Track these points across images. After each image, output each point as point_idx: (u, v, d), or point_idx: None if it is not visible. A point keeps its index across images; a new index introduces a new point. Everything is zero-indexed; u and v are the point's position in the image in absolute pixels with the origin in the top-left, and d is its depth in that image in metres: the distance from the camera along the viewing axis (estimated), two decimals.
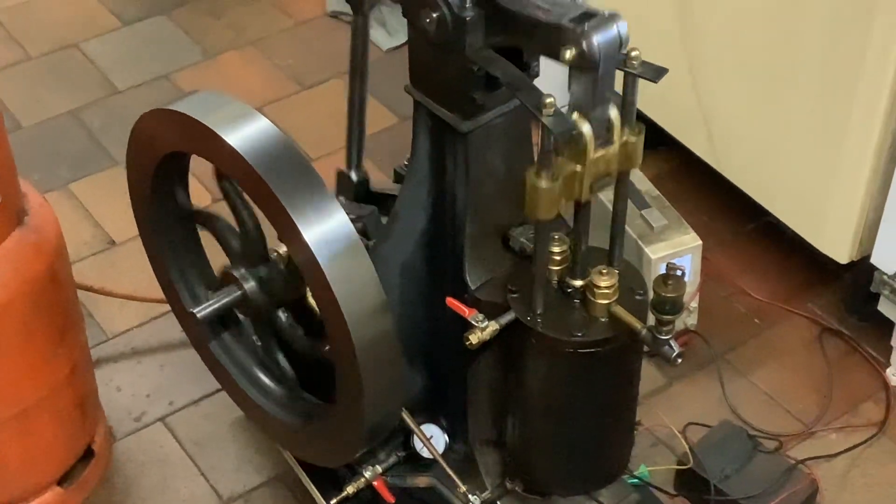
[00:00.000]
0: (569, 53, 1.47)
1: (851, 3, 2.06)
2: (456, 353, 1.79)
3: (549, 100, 1.47)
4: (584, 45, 1.47)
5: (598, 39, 1.47)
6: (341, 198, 1.96)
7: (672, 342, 1.62)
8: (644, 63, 1.51)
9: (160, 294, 2.03)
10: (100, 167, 2.74)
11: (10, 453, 1.99)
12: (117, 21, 3.13)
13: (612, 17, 1.48)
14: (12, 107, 2.87)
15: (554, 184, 1.55)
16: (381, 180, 2.05)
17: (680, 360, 1.62)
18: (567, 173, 1.56)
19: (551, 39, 1.50)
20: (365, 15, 1.84)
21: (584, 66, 1.48)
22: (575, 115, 1.53)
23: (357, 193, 1.96)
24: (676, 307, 1.61)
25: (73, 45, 3.06)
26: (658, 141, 2.59)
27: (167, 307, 2.07)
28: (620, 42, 1.49)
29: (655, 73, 1.51)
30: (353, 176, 1.96)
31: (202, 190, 2.39)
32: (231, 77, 2.98)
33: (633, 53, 1.51)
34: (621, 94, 1.56)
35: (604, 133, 1.55)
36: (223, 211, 1.85)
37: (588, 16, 1.48)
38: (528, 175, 1.55)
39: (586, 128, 1.53)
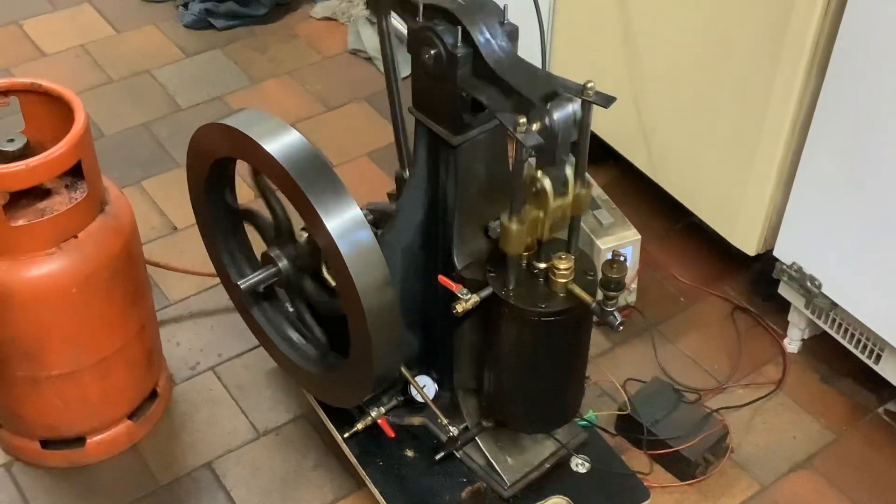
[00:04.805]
0: (535, 126, 1.49)
1: (763, 50, 2.06)
2: (445, 320, 1.79)
3: (521, 120, 1.47)
4: (547, 120, 1.49)
5: (557, 116, 1.50)
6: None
7: (616, 313, 1.62)
8: (597, 93, 1.52)
9: (212, 269, 2.03)
10: (166, 168, 2.73)
11: (91, 392, 1.99)
12: (182, 53, 3.12)
13: (571, 99, 1.51)
14: (97, 119, 2.86)
15: (522, 226, 1.59)
16: None
17: (621, 328, 1.63)
18: (532, 218, 1.60)
19: (521, 106, 1.52)
20: (386, 18, 1.78)
21: (545, 136, 1.50)
22: (539, 173, 1.57)
23: None
24: (620, 286, 1.62)
25: (147, 71, 3.05)
26: (607, 155, 2.59)
27: (217, 280, 2.06)
28: (574, 119, 1.52)
29: (606, 100, 1.52)
30: (406, 175, 1.94)
31: (247, 189, 2.38)
32: (271, 99, 2.97)
33: (589, 85, 1.51)
34: (574, 156, 1.58)
35: (560, 187, 1.59)
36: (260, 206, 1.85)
37: (552, 95, 1.51)
38: (503, 218, 1.61)
39: (547, 182, 1.57)
